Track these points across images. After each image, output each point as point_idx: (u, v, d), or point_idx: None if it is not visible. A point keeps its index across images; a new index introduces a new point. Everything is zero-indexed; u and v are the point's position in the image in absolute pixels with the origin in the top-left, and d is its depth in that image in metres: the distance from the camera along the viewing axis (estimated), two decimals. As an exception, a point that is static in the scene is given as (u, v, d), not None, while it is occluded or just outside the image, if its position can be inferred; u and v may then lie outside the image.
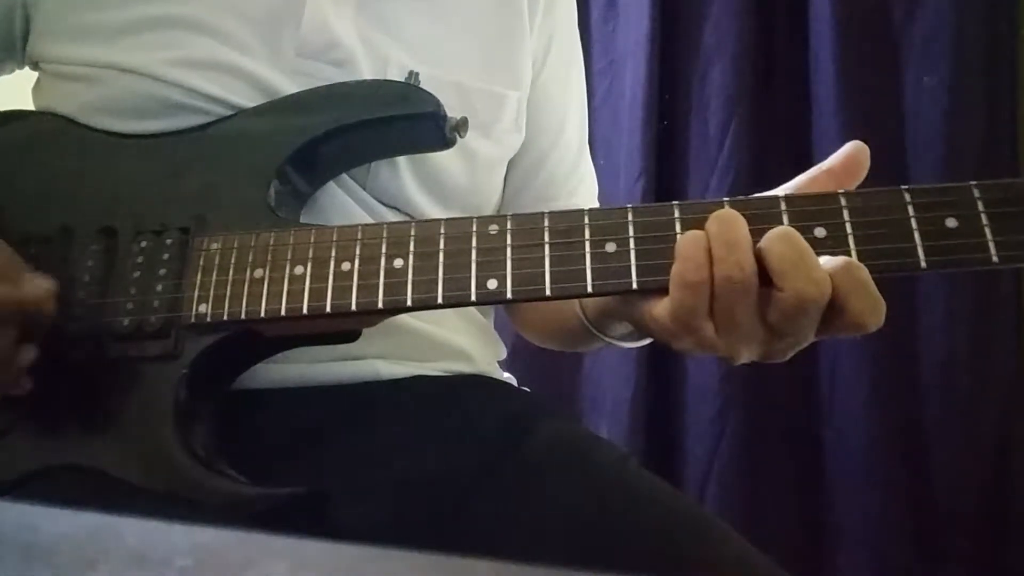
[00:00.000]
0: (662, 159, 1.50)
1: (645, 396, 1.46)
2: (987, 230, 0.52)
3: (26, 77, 0.81)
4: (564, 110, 0.87)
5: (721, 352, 0.54)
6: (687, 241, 0.52)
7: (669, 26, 1.51)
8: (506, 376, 0.84)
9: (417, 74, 0.72)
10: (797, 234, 0.52)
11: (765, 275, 0.52)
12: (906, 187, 0.54)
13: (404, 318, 0.73)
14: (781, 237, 0.51)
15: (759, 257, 0.52)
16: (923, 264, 0.52)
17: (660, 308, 0.54)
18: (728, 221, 0.52)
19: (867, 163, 0.56)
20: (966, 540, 1.32)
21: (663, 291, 0.54)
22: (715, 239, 0.52)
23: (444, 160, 0.75)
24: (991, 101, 1.35)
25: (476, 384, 0.78)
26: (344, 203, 0.72)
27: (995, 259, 0.52)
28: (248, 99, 0.70)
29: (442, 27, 0.77)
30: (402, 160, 0.74)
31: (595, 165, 0.93)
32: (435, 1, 0.77)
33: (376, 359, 0.72)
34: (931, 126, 1.35)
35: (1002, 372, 1.33)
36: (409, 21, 0.75)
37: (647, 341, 0.71)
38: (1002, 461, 1.32)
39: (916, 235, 0.53)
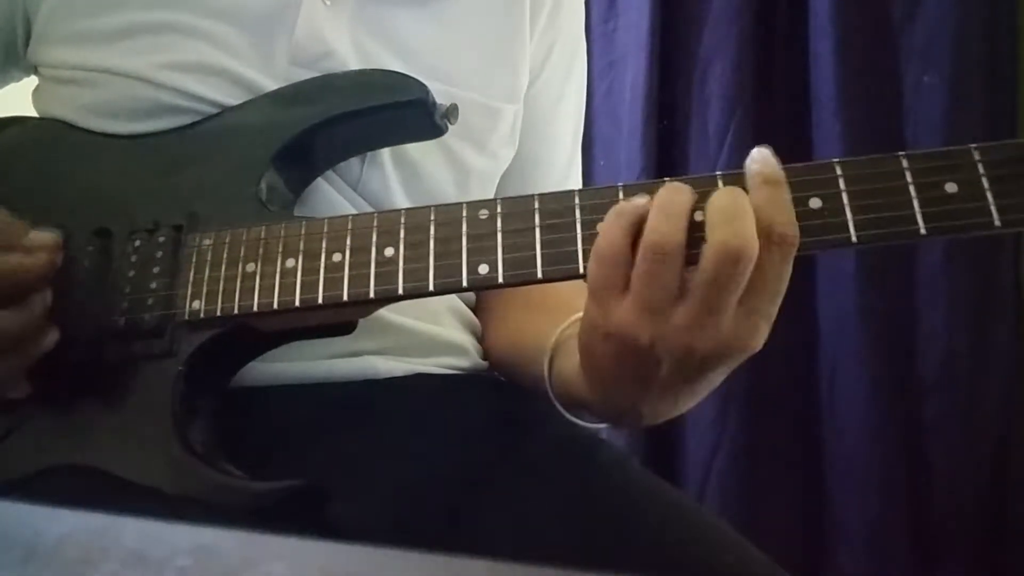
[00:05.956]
0: (662, 159, 1.50)
1: (645, 396, 1.46)
2: (988, 193, 0.50)
3: (27, 83, 0.81)
4: (559, 118, 0.86)
5: (643, 340, 0.52)
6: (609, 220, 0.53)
7: (669, 26, 1.51)
8: (506, 376, 0.84)
9: None
10: (743, 194, 0.51)
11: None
12: (904, 153, 0.53)
13: (400, 318, 0.73)
14: (727, 191, 0.51)
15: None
16: (923, 231, 0.51)
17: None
18: (673, 190, 0.52)
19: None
20: (965, 540, 1.32)
21: None
22: (655, 208, 0.52)
23: (435, 173, 0.74)
24: (991, 101, 1.35)
25: (475, 383, 0.78)
26: (338, 203, 0.71)
27: (997, 223, 0.50)
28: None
29: (440, 38, 0.76)
30: (391, 172, 0.73)
31: (595, 165, 0.93)
32: (434, 11, 0.76)
33: (373, 355, 0.72)
34: (931, 126, 1.35)
35: (1002, 372, 1.33)
36: (405, 31, 0.75)
37: (602, 425, 0.69)
38: (1001, 461, 1.32)
39: (915, 202, 0.51)
